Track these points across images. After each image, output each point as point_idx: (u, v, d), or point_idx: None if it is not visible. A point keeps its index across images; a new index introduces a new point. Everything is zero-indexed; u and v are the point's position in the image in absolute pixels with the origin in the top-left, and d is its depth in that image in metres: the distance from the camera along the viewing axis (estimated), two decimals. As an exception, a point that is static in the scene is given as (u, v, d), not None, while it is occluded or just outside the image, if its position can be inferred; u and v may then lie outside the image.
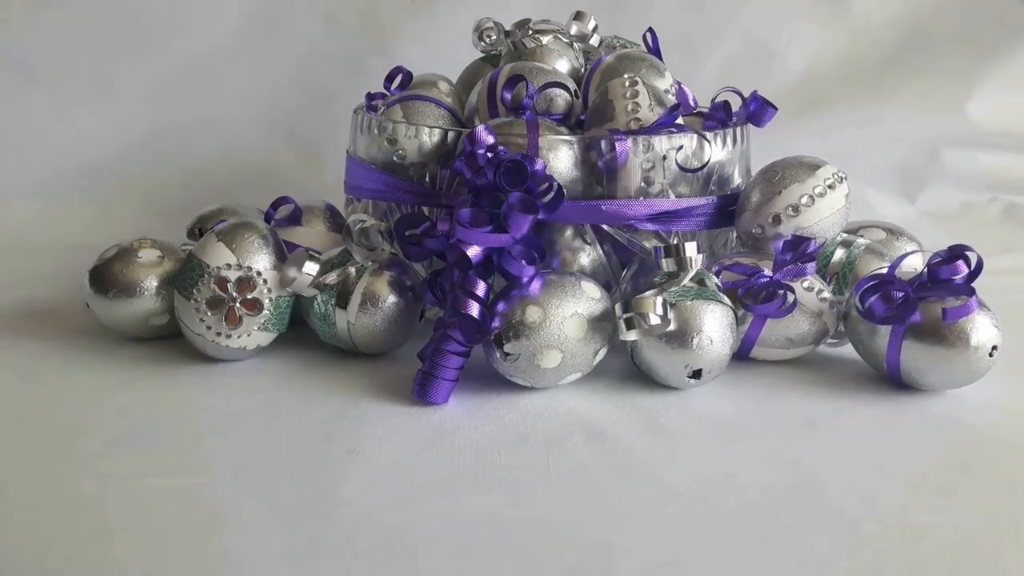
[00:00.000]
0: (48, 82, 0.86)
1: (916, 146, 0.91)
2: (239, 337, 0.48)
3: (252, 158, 0.92)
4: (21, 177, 0.84)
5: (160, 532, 0.35)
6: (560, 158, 0.51)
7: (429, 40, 0.92)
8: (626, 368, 0.49)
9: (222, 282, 0.47)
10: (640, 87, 0.53)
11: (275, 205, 0.55)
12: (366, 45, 0.92)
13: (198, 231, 0.58)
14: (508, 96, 0.54)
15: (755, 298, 0.49)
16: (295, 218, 0.55)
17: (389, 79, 0.63)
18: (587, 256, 0.53)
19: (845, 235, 0.57)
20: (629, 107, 0.52)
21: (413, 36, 0.93)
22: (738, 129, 0.56)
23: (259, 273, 0.48)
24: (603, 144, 0.51)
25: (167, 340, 0.52)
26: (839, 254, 0.55)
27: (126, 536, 0.34)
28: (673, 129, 0.52)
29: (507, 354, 0.45)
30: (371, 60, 0.92)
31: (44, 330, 0.54)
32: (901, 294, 0.46)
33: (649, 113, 0.52)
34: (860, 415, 0.45)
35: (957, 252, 0.46)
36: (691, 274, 0.47)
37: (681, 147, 0.52)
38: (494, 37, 0.66)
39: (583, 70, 0.63)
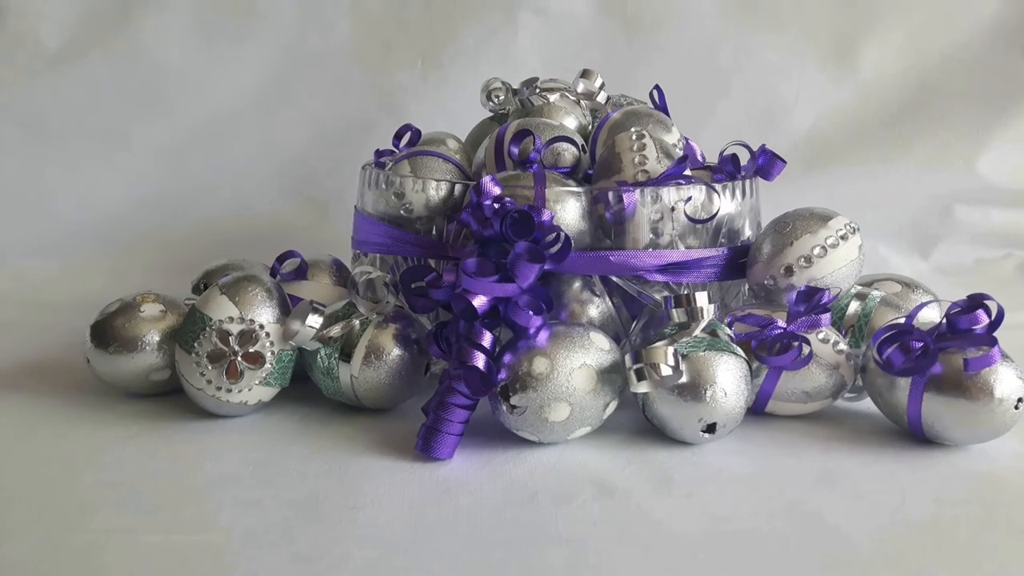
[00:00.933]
0: (62, 140, 0.87)
1: (928, 202, 0.91)
2: (240, 392, 0.47)
3: (262, 216, 0.92)
4: (35, 236, 0.85)
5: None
6: (567, 210, 0.50)
7: (438, 101, 0.94)
8: (637, 423, 0.48)
9: (224, 335, 0.46)
10: (647, 140, 0.53)
11: (281, 259, 0.55)
12: (376, 107, 0.94)
13: (203, 286, 0.57)
14: (515, 150, 0.54)
15: (769, 350, 0.48)
16: (301, 272, 0.55)
17: (398, 136, 0.63)
18: (596, 308, 0.52)
19: (860, 287, 0.55)
20: (636, 159, 0.52)
21: (423, 98, 0.94)
22: (747, 182, 0.56)
23: (262, 326, 0.47)
24: (611, 195, 0.50)
25: (168, 396, 0.51)
26: (854, 306, 0.54)
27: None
28: (681, 180, 0.52)
29: (514, 407, 0.44)
30: (381, 122, 0.93)
31: (43, 386, 0.53)
32: (920, 344, 0.44)
33: (657, 165, 0.52)
34: (882, 469, 0.44)
35: (977, 301, 0.45)
36: (702, 324, 0.46)
37: (690, 198, 0.51)
38: (502, 97, 0.67)
39: (590, 127, 0.63)
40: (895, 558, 0.36)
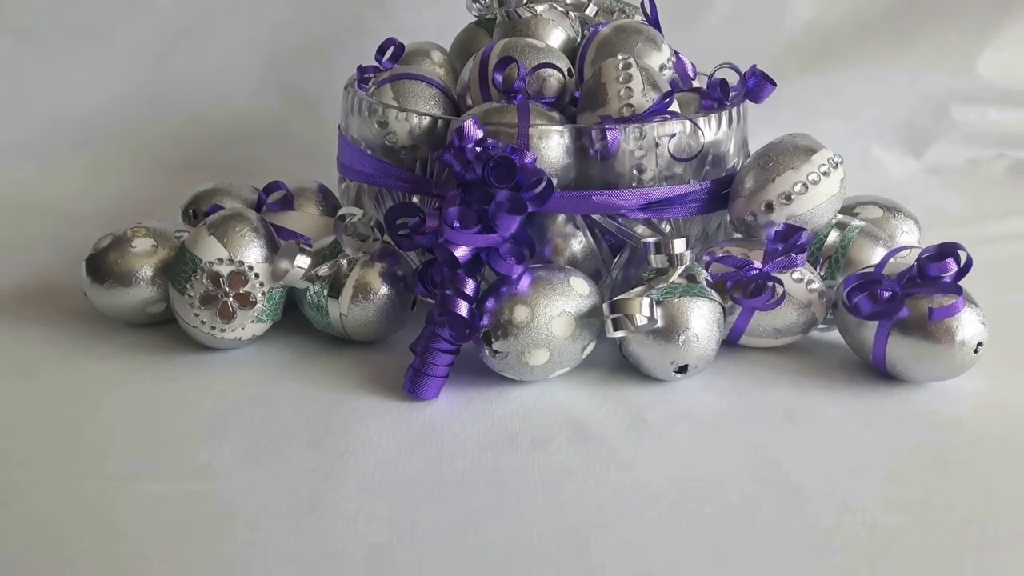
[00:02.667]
0: (41, 39, 0.85)
1: (924, 101, 0.89)
2: (234, 330, 0.48)
3: (247, 110, 0.91)
4: (13, 136, 0.83)
5: (161, 538, 0.36)
6: (551, 146, 0.50)
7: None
8: (615, 359, 0.50)
9: (215, 277, 0.48)
10: (633, 70, 0.52)
11: (267, 191, 0.55)
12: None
13: (192, 212, 0.58)
14: (499, 78, 0.54)
15: (744, 291, 0.49)
16: (287, 203, 0.55)
17: (381, 51, 0.62)
18: (579, 243, 0.53)
19: (840, 216, 0.56)
20: (622, 92, 0.51)
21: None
22: (735, 109, 0.55)
23: (251, 267, 0.48)
24: (594, 133, 0.50)
25: (165, 326, 0.52)
26: (833, 236, 0.55)
27: (129, 541, 0.36)
28: (667, 115, 0.51)
29: (496, 352, 0.46)
30: (368, 12, 0.91)
31: (43, 316, 0.54)
32: (888, 293, 0.46)
33: (642, 99, 0.51)
34: (842, 408, 0.46)
35: (947, 250, 0.46)
36: (679, 271, 0.47)
37: (674, 135, 0.51)
38: (487, 1, 0.65)
39: (579, 39, 0.62)
40: (843, 507, 0.39)
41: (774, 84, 0.57)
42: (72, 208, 0.75)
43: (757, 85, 0.57)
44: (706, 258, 0.52)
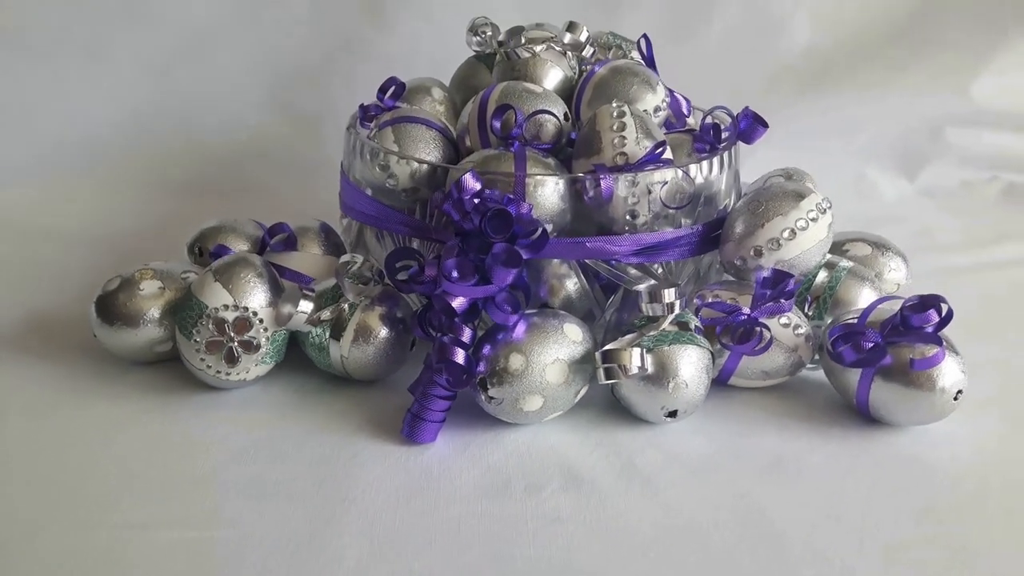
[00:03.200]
0: (42, 54, 0.86)
1: (920, 124, 0.91)
2: (238, 373, 0.50)
3: (251, 133, 0.93)
4: (18, 155, 0.85)
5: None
6: (547, 194, 0.52)
7: (423, 9, 0.91)
8: (607, 401, 0.52)
9: (220, 323, 0.49)
10: (628, 118, 0.53)
11: (271, 232, 0.56)
12: (366, 19, 0.92)
13: (198, 249, 0.59)
14: (497, 125, 0.55)
15: (732, 336, 0.51)
16: (291, 243, 0.57)
17: (383, 90, 0.63)
18: (573, 284, 0.54)
19: (829, 256, 0.58)
20: (615, 140, 0.53)
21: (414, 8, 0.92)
22: (727, 153, 0.57)
23: (255, 313, 0.50)
24: (588, 182, 0.52)
25: (171, 364, 0.54)
26: (822, 276, 0.56)
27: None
28: (659, 163, 0.53)
29: (491, 397, 0.47)
30: (371, 34, 0.92)
31: (49, 352, 0.56)
32: (871, 344, 0.47)
33: (635, 147, 0.53)
34: (825, 454, 0.48)
35: (930, 301, 0.48)
36: (670, 319, 0.49)
37: (666, 183, 0.52)
38: (488, 33, 0.66)
39: (576, 78, 0.63)
40: (822, 559, 0.41)
41: (766, 126, 0.58)
42: (76, 230, 0.76)
43: (749, 127, 0.58)
44: (696, 302, 0.53)
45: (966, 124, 0.91)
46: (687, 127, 0.64)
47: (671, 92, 0.64)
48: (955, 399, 0.48)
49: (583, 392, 0.49)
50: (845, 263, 0.57)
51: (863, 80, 0.91)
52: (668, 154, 0.54)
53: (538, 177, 0.52)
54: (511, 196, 0.50)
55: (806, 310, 0.56)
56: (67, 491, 0.44)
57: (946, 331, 0.49)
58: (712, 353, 0.50)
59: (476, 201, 0.49)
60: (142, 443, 0.48)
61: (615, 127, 0.53)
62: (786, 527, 0.42)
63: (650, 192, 0.53)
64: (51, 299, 0.63)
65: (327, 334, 0.51)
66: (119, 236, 0.76)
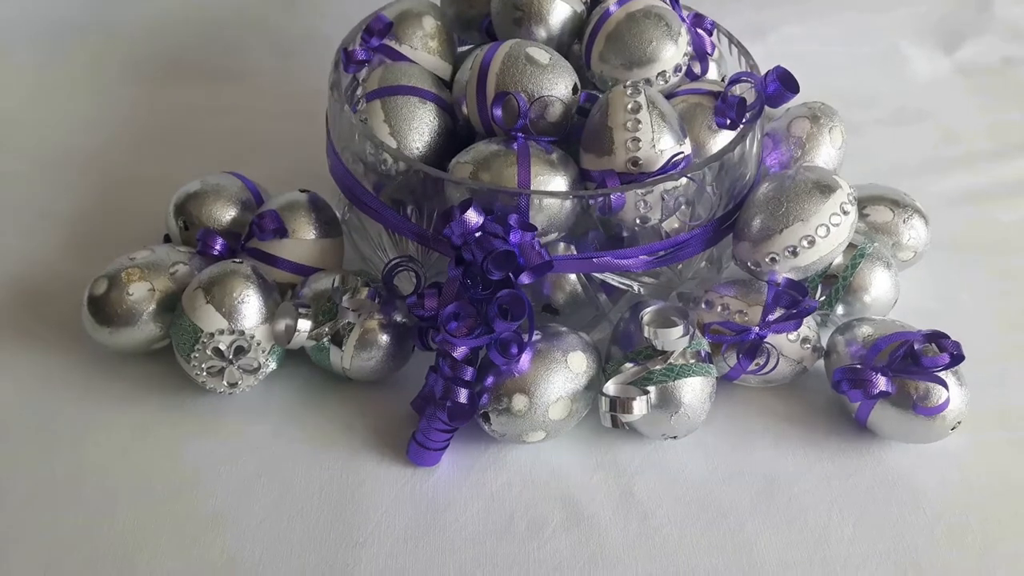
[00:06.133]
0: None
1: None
2: (241, 389, 0.50)
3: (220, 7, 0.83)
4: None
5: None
6: (553, 208, 0.48)
7: None
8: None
9: (218, 351, 0.48)
10: (643, 113, 0.48)
11: (259, 224, 0.53)
12: None
13: (183, 223, 0.56)
14: (499, 114, 0.50)
15: (739, 352, 0.50)
16: (280, 231, 0.53)
17: (368, 32, 0.56)
18: (576, 286, 0.53)
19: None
20: (628, 142, 0.48)
21: None
22: (752, 125, 0.52)
23: (252, 336, 0.49)
24: (599, 199, 0.48)
25: (171, 359, 0.53)
26: (838, 260, 0.54)
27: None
28: (674, 174, 0.48)
29: (494, 430, 0.48)
30: None
31: (47, 345, 0.55)
32: (877, 391, 0.47)
33: (650, 151, 0.48)
34: (816, 477, 0.49)
35: (943, 344, 0.47)
36: (675, 353, 0.48)
37: (679, 197, 0.49)
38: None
39: (588, 12, 0.56)
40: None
41: (796, 91, 0.53)
42: (34, 143, 0.71)
43: (777, 91, 0.53)
44: (704, 308, 0.52)
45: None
46: (708, 76, 0.57)
47: (692, 23, 0.57)
48: (952, 429, 0.49)
49: (584, 414, 0.50)
50: (865, 245, 0.55)
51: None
52: (687, 148, 0.50)
53: (545, 200, 0.47)
54: (512, 223, 0.46)
55: (818, 296, 0.55)
56: (68, 505, 0.46)
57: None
58: (716, 377, 0.49)
59: (478, 235, 0.45)
60: (145, 460, 0.48)
61: (628, 124, 0.48)
62: (773, 565, 0.45)
63: (664, 198, 0.49)
64: (29, 268, 0.60)
65: (327, 340, 0.51)
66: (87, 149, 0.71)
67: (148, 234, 0.61)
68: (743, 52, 0.59)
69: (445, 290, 0.46)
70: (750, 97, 0.52)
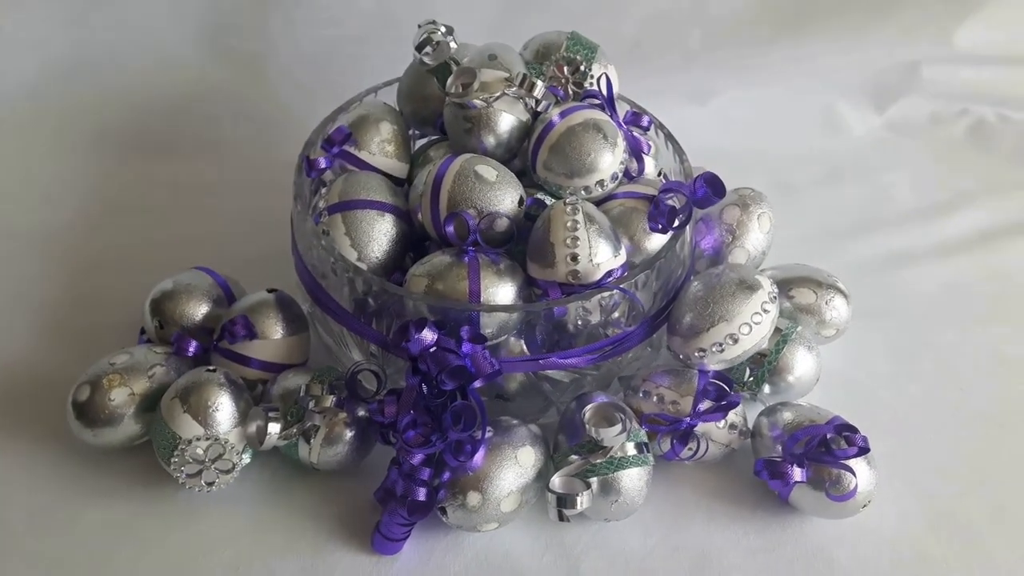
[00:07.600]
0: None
1: (895, 63, 0.87)
2: (219, 487, 0.54)
3: (185, 77, 0.86)
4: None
5: None
6: (501, 316, 0.53)
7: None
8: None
9: (196, 456, 0.53)
10: (580, 230, 0.53)
11: (231, 331, 0.57)
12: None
13: (158, 323, 0.60)
14: (451, 231, 0.54)
15: (673, 439, 0.55)
16: (250, 335, 0.57)
17: (329, 142, 0.60)
18: (525, 377, 0.57)
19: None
20: (568, 258, 0.53)
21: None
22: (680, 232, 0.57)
23: (227, 441, 0.53)
24: (542, 314, 0.53)
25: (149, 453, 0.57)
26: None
27: None
28: (609, 284, 0.53)
29: (450, 521, 0.53)
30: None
31: (24, 443, 0.58)
32: (795, 481, 0.53)
33: (588, 265, 0.53)
34: (744, 550, 0.55)
35: (851, 439, 0.52)
36: (614, 449, 0.53)
37: (616, 302, 0.53)
38: (437, 43, 0.62)
39: (532, 121, 0.60)
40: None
41: (722, 195, 0.58)
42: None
43: (705, 196, 0.58)
44: (641, 395, 0.57)
45: (944, 62, 0.87)
46: (645, 176, 0.62)
47: (627, 125, 0.61)
48: (863, 507, 0.54)
49: (535, 502, 0.54)
50: (789, 329, 0.60)
51: (840, 25, 0.85)
52: (622, 258, 0.54)
53: (496, 315, 0.52)
54: (464, 335, 0.51)
55: (746, 376, 0.60)
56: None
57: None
58: (652, 465, 0.55)
59: (432, 350, 0.50)
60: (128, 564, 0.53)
61: (568, 241, 0.53)
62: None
63: (602, 304, 0.54)
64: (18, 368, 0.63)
65: (296, 437, 0.55)
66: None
67: (122, 320, 0.65)
68: (678, 150, 0.63)
69: (403, 398, 0.51)
70: (680, 202, 0.57)
